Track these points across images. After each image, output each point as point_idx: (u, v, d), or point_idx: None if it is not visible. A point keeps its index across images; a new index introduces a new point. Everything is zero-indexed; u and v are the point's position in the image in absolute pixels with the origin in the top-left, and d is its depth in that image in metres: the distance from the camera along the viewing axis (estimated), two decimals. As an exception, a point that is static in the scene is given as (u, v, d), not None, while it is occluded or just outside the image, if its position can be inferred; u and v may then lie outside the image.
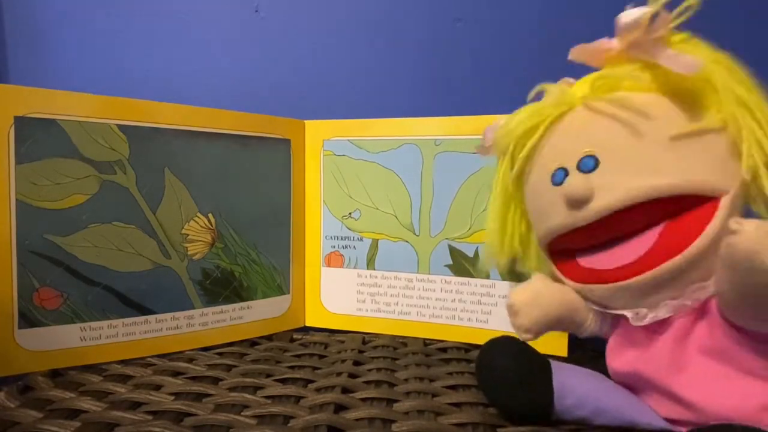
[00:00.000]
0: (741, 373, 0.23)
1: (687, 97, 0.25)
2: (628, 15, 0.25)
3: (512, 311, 0.28)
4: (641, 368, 0.26)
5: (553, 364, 0.27)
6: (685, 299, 0.24)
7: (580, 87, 0.27)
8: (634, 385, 0.27)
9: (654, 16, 0.24)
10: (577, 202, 0.25)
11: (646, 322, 0.25)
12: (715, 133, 0.24)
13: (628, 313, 0.26)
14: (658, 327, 0.25)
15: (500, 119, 0.31)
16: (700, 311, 0.24)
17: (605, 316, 0.29)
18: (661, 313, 0.25)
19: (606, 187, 0.25)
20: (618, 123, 0.25)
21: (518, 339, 0.28)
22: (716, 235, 0.23)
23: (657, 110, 0.25)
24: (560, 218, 0.27)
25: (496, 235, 0.32)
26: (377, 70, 0.48)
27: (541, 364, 0.27)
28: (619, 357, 0.27)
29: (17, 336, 0.32)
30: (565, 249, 0.28)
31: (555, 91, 0.28)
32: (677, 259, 0.23)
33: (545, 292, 0.28)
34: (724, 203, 0.23)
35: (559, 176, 0.27)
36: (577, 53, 0.28)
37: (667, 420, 0.25)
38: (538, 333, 0.28)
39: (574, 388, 0.26)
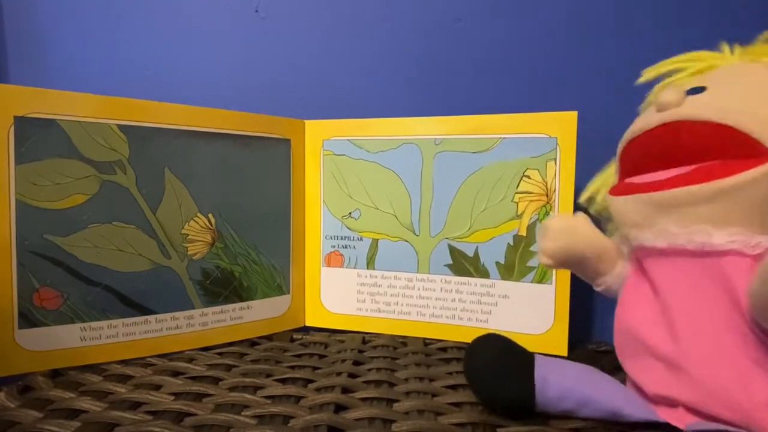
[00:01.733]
0: (749, 361, 0.23)
1: None
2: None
3: (542, 232, 0.30)
4: (645, 331, 0.26)
5: (538, 358, 0.28)
6: (684, 235, 0.24)
7: (744, 50, 0.29)
8: (634, 348, 0.27)
9: None
10: (662, 105, 0.26)
11: (644, 242, 0.26)
12: None
13: (631, 233, 0.27)
14: (671, 292, 0.25)
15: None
16: (722, 285, 0.24)
17: (624, 276, 0.29)
18: (659, 241, 0.25)
19: (692, 101, 0.25)
20: (742, 77, 0.26)
21: (502, 336, 0.29)
22: (742, 184, 0.23)
23: None
24: (641, 121, 0.27)
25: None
26: (377, 70, 0.48)
27: (523, 358, 0.27)
28: (625, 316, 0.27)
29: (17, 336, 0.32)
30: (627, 171, 0.29)
31: (724, 48, 0.29)
32: (694, 187, 0.24)
33: (581, 227, 0.30)
34: None
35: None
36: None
37: (660, 396, 0.25)
38: (558, 261, 0.30)
39: (557, 381, 0.26)
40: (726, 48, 0.29)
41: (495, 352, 0.28)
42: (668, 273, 0.26)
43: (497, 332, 0.30)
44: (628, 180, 0.28)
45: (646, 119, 0.27)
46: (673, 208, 0.25)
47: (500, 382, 0.27)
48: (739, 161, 0.23)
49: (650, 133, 0.26)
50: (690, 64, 0.29)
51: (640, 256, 0.27)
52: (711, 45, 0.30)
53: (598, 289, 0.31)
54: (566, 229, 0.30)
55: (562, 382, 0.26)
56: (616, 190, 0.28)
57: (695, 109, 0.25)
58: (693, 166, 0.25)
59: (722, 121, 0.24)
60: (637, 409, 0.25)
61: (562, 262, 0.30)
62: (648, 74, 0.31)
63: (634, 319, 0.27)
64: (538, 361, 0.27)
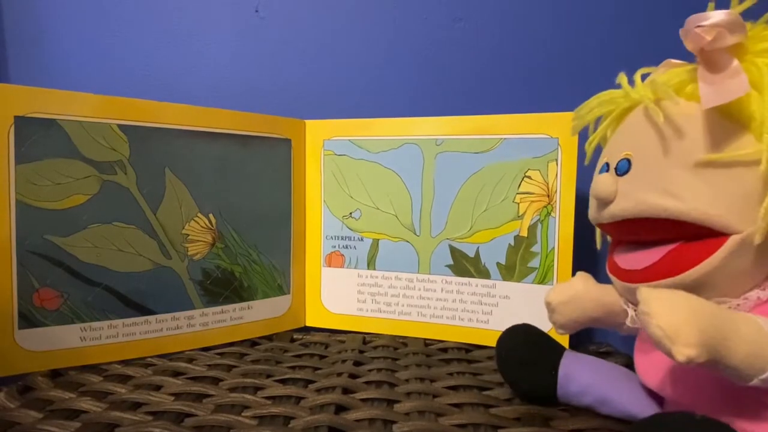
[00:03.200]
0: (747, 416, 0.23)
1: (732, 118, 0.23)
2: (694, 19, 0.23)
3: (549, 309, 0.30)
4: (651, 377, 0.26)
5: (567, 353, 0.29)
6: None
7: (648, 85, 0.27)
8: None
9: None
10: (599, 201, 0.27)
11: (638, 326, 0.27)
12: (745, 166, 0.23)
13: (629, 311, 0.27)
14: None
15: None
16: None
17: None
18: None
19: (624, 194, 0.25)
20: (655, 133, 0.25)
21: (536, 327, 0.31)
22: (711, 270, 0.23)
23: (694, 128, 0.24)
24: (592, 211, 0.28)
25: None
26: (377, 70, 0.48)
27: (551, 350, 0.29)
28: (641, 365, 0.27)
29: (17, 336, 0.32)
30: (612, 241, 0.30)
31: (626, 85, 0.28)
32: (671, 280, 0.24)
33: (584, 295, 0.29)
34: (731, 243, 0.23)
35: (603, 170, 0.28)
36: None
37: None
38: (572, 330, 0.30)
39: (580, 376, 0.28)
40: (626, 84, 0.27)
41: (520, 341, 0.30)
42: None
43: (498, 333, 0.31)
44: (615, 256, 0.28)
45: (596, 212, 0.28)
46: None
47: (525, 371, 0.29)
48: (699, 244, 0.23)
49: (606, 225, 0.27)
50: (607, 109, 0.29)
51: None
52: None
53: (622, 333, 0.31)
54: (570, 302, 0.29)
55: (585, 379, 0.28)
56: (609, 266, 0.28)
57: (629, 205, 0.25)
58: (661, 251, 0.25)
59: (660, 216, 0.24)
60: (650, 413, 0.25)
61: (575, 329, 0.30)
62: (574, 128, 0.31)
63: (647, 372, 0.27)
64: (566, 356, 0.29)
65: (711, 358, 0.19)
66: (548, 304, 0.30)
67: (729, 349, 0.20)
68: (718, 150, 0.23)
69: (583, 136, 0.37)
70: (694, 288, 0.23)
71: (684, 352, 0.19)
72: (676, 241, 0.24)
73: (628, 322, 0.28)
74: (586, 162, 0.33)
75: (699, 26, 0.23)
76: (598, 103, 0.29)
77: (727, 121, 0.23)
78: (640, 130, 0.26)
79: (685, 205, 0.23)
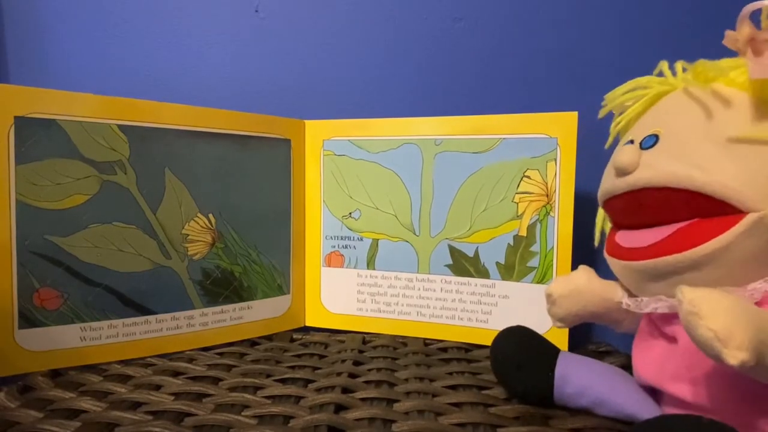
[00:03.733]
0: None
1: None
2: (752, 5, 0.24)
3: (549, 300, 0.30)
4: (652, 374, 0.26)
5: (563, 354, 0.29)
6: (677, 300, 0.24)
7: (689, 71, 0.27)
8: (651, 387, 0.27)
9: None
10: (619, 170, 0.26)
11: (644, 310, 0.26)
12: None
13: (629, 302, 0.27)
14: (674, 335, 0.25)
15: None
16: None
17: (639, 315, 0.29)
18: (659, 307, 0.25)
19: (649, 163, 0.25)
20: (688, 112, 0.25)
21: (529, 329, 0.30)
22: (723, 247, 0.23)
23: (730, 108, 0.24)
24: (608, 183, 0.28)
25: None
26: (377, 70, 0.48)
27: (547, 352, 0.29)
28: (640, 362, 0.27)
29: (17, 336, 0.32)
30: (614, 223, 0.29)
31: (667, 71, 0.28)
32: (678, 256, 0.23)
33: (586, 288, 0.29)
34: (748, 220, 0.22)
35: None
36: (725, 39, 0.27)
37: None
38: (571, 323, 0.30)
39: (576, 378, 0.27)
40: (666, 70, 0.28)
41: (515, 343, 0.29)
42: (673, 328, 0.25)
43: (497, 333, 0.31)
44: (617, 237, 0.28)
45: (611, 183, 0.27)
46: (659, 278, 0.25)
47: (520, 374, 0.29)
48: (714, 221, 0.23)
49: (619, 198, 0.27)
50: (641, 93, 0.29)
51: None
52: (711, 44, 0.29)
53: (618, 331, 0.31)
54: (571, 295, 0.29)
55: (581, 381, 0.27)
56: (608, 247, 0.28)
57: (652, 173, 0.25)
58: (671, 228, 0.24)
59: (681, 187, 0.23)
60: (649, 414, 0.25)
61: (574, 323, 0.30)
62: (604, 110, 0.32)
63: (647, 370, 0.27)
64: (562, 358, 0.28)
65: (760, 361, 0.19)
66: (549, 296, 0.30)
67: None
68: (752, 130, 0.23)
69: (582, 135, 0.37)
70: (700, 266, 0.23)
71: (738, 356, 0.18)
72: (688, 219, 0.24)
73: (625, 302, 0.27)
74: (607, 145, 0.32)
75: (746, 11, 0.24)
76: (634, 86, 0.29)
77: (764, 106, 0.23)
78: (672, 111, 0.26)
79: (708, 176, 0.23)
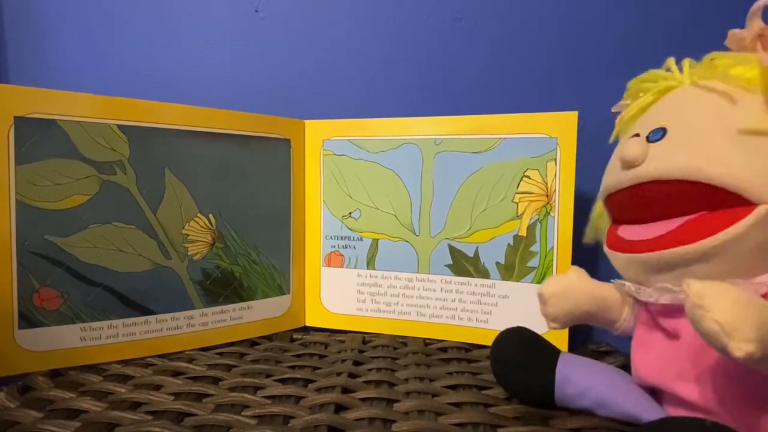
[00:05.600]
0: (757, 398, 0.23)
1: None
2: (763, 2, 0.24)
3: (541, 300, 0.30)
4: (654, 373, 0.26)
5: (563, 355, 0.29)
6: (683, 292, 0.24)
7: (696, 67, 0.27)
8: (652, 387, 0.27)
9: None
10: (626, 163, 0.26)
11: (646, 299, 0.26)
12: None
13: (632, 287, 0.27)
14: (676, 331, 0.25)
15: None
16: None
17: (636, 315, 0.29)
18: (663, 298, 0.25)
19: (657, 156, 0.25)
20: (696, 106, 0.25)
21: (530, 330, 0.30)
22: (732, 239, 0.22)
23: (742, 101, 0.24)
24: (612, 176, 0.27)
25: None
26: (377, 70, 0.48)
27: (547, 353, 0.29)
28: (640, 361, 0.27)
29: (17, 336, 0.32)
30: (615, 219, 0.29)
31: (674, 67, 0.28)
32: (687, 248, 0.23)
33: (577, 286, 0.29)
34: (759, 211, 0.22)
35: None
36: (728, 40, 0.27)
37: None
38: (565, 324, 0.30)
39: (577, 379, 0.27)
40: (674, 66, 0.28)
41: (516, 345, 0.29)
42: (676, 322, 0.25)
43: (497, 333, 0.31)
44: (619, 231, 0.27)
45: (617, 177, 0.27)
46: (666, 270, 0.24)
47: (521, 375, 0.29)
48: (723, 212, 0.23)
49: (624, 192, 0.26)
50: (649, 85, 0.29)
51: (647, 306, 0.27)
52: (713, 43, 0.29)
53: (615, 333, 0.30)
54: (562, 293, 0.29)
55: (582, 382, 0.27)
56: (610, 242, 0.28)
57: (661, 165, 0.24)
58: (678, 221, 0.24)
59: (691, 179, 0.23)
60: (651, 414, 0.25)
61: (568, 324, 0.30)
62: (618, 106, 0.31)
63: (648, 369, 0.26)
64: (562, 359, 0.28)
65: (766, 353, 0.19)
66: (541, 296, 0.30)
67: None
68: (763, 121, 0.23)
69: (583, 134, 0.37)
70: (709, 258, 0.23)
71: (744, 348, 0.18)
72: (695, 212, 0.24)
73: (629, 286, 0.27)
74: (611, 140, 0.32)
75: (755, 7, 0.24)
76: (644, 79, 0.29)
77: None
78: (680, 105, 0.26)
79: (720, 168, 0.23)
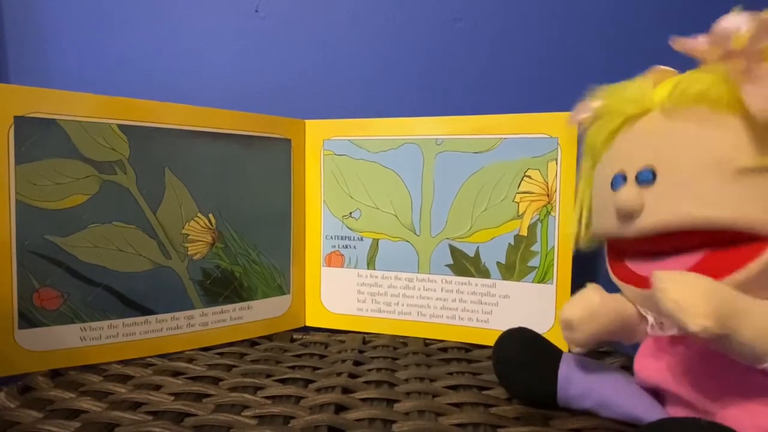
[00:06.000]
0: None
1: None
2: (726, 23, 0.23)
3: (568, 326, 0.28)
4: (664, 380, 0.26)
5: (565, 355, 0.29)
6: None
7: (662, 89, 0.26)
8: (657, 393, 0.27)
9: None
10: (623, 213, 0.25)
11: (663, 334, 0.25)
12: None
13: (656, 325, 0.26)
14: (684, 342, 0.25)
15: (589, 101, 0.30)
16: None
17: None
18: (677, 331, 0.24)
19: (656, 206, 0.24)
20: (685, 141, 0.24)
21: (532, 330, 0.30)
22: (754, 274, 0.22)
23: (730, 136, 0.23)
24: (610, 224, 0.27)
25: (576, 220, 0.32)
26: (377, 70, 0.48)
27: (550, 353, 0.29)
28: (644, 365, 0.27)
29: (17, 336, 0.32)
30: (621, 251, 0.28)
31: (634, 90, 0.27)
32: None
33: (601, 308, 0.28)
34: None
35: (617, 181, 0.26)
36: (677, 45, 0.26)
37: None
38: (589, 347, 0.28)
39: (580, 379, 0.27)
40: (644, 89, 0.26)
41: (518, 345, 0.29)
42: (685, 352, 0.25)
43: (498, 333, 0.31)
44: (629, 264, 0.27)
45: (616, 227, 0.26)
46: None
47: (523, 376, 0.28)
48: (737, 250, 0.23)
49: (629, 240, 0.26)
50: (620, 106, 0.27)
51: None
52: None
53: (630, 343, 0.30)
54: (587, 318, 0.28)
55: (585, 382, 0.27)
56: (621, 275, 0.27)
57: (664, 218, 0.24)
58: (694, 257, 0.24)
59: (698, 228, 0.23)
60: (653, 415, 0.25)
61: (592, 347, 0.29)
62: (576, 117, 0.30)
63: (651, 370, 0.26)
64: (565, 359, 0.28)
65: (724, 331, 0.19)
66: (568, 322, 0.28)
67: (742, 322, 0.20)
68: (759, 156, 0.22)
69: (583, 135, 0.37)
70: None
71: (698, 322, 0.19)
72: (704, 248, 0.24)
73: (648, 329, 0.26)
74: (583, 159, 0.31)
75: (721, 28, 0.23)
76: (603, 105, 0.28)
77: (762, 129, 0.22)
78: (661, 138, 0.25)
79: (729, 212, 0.22)
